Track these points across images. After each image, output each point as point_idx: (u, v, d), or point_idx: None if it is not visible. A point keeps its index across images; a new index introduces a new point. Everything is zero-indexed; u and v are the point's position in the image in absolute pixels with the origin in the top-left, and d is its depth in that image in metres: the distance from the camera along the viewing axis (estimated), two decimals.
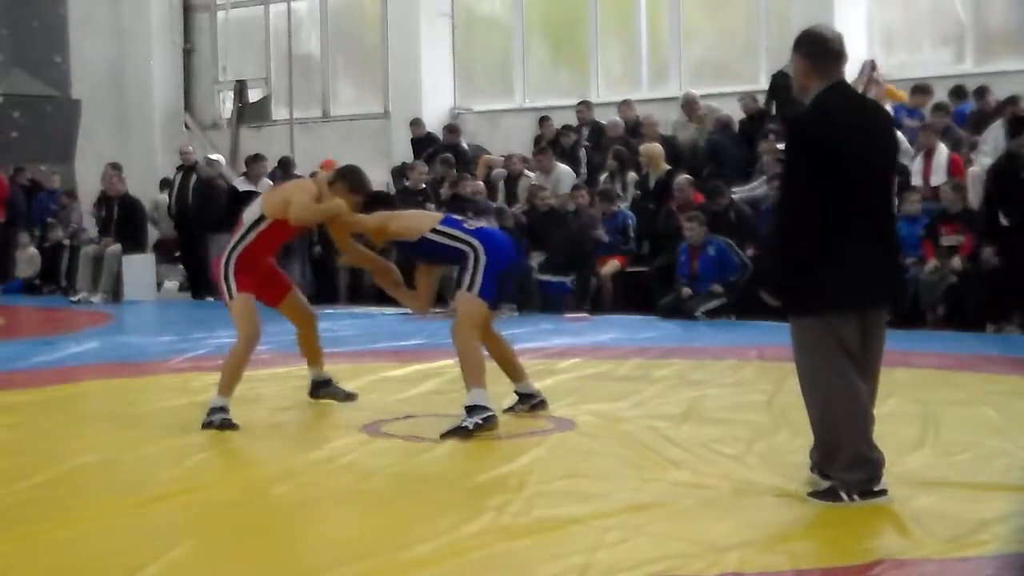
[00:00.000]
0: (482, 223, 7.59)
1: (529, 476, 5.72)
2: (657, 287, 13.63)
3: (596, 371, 9.32)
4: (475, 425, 6.76)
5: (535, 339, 11.34)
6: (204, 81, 22.55)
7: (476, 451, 6.48)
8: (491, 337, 7.51)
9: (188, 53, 22.55)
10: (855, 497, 5.07)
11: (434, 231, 7.24)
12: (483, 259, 7.12)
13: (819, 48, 5.20)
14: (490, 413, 6.84)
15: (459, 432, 6.73)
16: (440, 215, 7.65)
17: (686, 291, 13.12)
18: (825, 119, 5.11)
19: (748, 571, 4.29)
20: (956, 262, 11.95)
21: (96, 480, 6.05)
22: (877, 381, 5.32)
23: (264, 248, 7.38)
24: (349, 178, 7.37)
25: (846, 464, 5.10)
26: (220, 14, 22.29)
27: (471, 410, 6.86)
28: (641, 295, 13.86)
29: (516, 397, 7.54)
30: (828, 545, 4.70)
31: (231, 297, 7.19)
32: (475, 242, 7.17)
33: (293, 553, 4.63)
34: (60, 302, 17.18)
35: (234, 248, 7.29)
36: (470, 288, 7.11)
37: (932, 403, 7.39)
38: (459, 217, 7.74)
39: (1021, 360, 9.62)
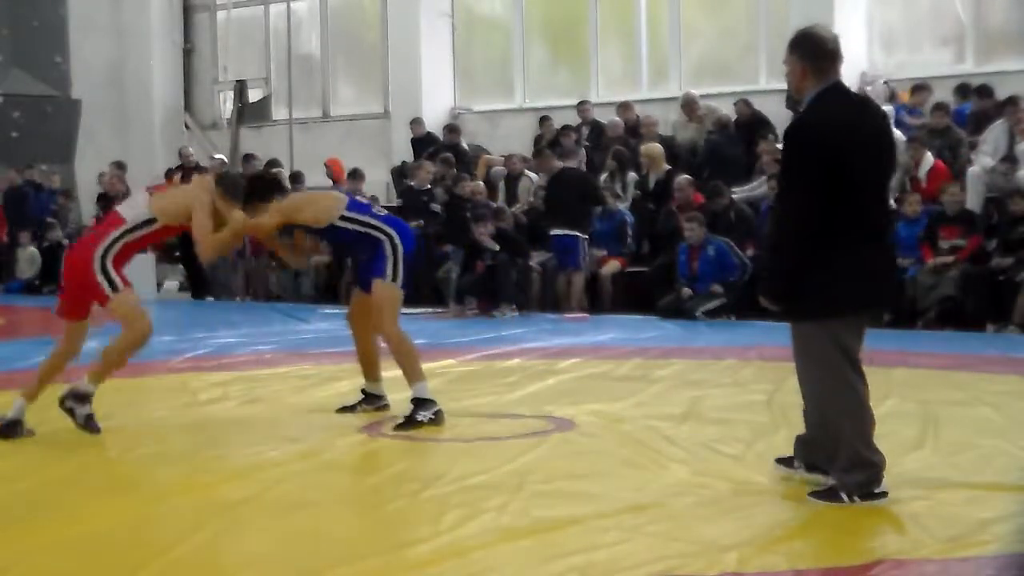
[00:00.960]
0: (384, 211, 7.45)
1: (529, 476, 5.71)
2: (657, 287, 13.63)
3: (596, 371, 9.32)
4: (428, 419, 6.97)
5: (535, 339, 11.35)
6: (204, 81, 22.57)
7: (476, 451, 6.47)
8: (363, 330, 7.48)
9: (188, 53, 22.57)
10: (855, 499, 5.06)
11: (343, 218, 7.15)
12: (400, 247, 7.10)
13: (816, 49, 5.15)
14: (438, 408, 7.07)
15: (412, 424, 6.94)
16: (344, 198, 7.40)
17: (686, 291, 13.12)
18: (823, 121, 5.06)
19: (748, 571, 4.29)
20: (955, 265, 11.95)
21: (96, 480, 6.06)
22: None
23: (140, 247, 7.21)
24: (227, 189, 7.07)
25: (846, 465, 5.10)
26: (220, 14, 22.31)
27: (420, 403, 7.02)
28: (641, 295, 13.86)
29: (362, 395, 7.55)
30: (828, 545, 4.70)
31: (115, 290, 6.84)
32: (389, 229, 7.12)
33: (293, 553, 4.62)
34: None
35: (112, 244, 6.96)
36: (394, 278, 7.10)
37: (932, 403, 7.39)
38: (364, 200, 7.59)
39: (1021, 360, 9.62)
